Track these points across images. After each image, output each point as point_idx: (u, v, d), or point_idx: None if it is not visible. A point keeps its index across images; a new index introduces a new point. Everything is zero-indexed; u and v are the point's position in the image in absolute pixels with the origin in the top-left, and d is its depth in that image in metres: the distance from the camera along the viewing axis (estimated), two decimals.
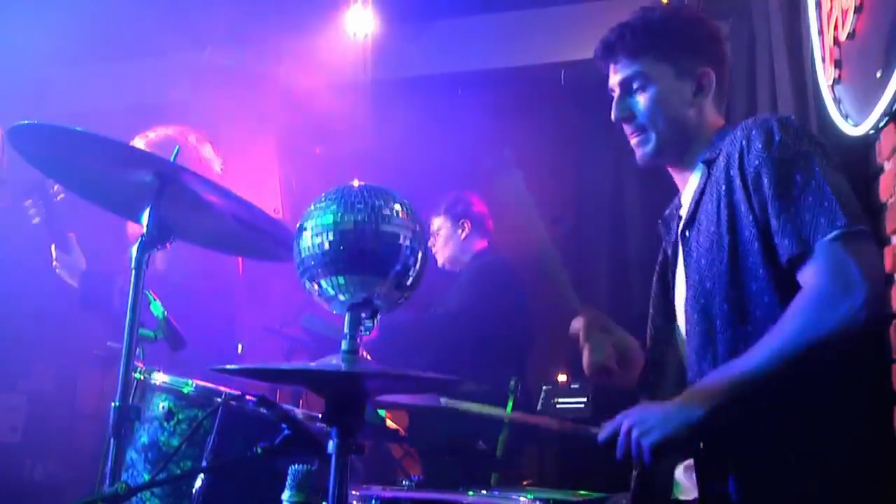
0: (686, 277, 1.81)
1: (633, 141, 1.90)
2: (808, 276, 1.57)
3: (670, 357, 1.88)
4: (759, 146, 1.66)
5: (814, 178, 1.60)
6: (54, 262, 2.96)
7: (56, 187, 2.85)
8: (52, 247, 2.95)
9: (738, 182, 1.68)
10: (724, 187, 1.72)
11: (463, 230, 3.78)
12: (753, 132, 1.69)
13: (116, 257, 3.08)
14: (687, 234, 1.83)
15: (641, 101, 1.85)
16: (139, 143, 2.89)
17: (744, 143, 1.69)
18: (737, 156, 1.69)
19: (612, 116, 1.90)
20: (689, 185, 1.90)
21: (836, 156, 1.69)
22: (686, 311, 1.79)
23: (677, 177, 1.95)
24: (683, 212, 1.89)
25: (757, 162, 1.65)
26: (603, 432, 1.67)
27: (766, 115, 1.76)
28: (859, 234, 1.56)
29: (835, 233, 1.54)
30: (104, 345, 3.16)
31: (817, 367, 1.55)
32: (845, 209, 1.56)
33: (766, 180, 1.63)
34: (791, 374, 1.54)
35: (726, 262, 1.68)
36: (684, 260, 1.84)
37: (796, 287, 1.58)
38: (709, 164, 1.80)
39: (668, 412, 1.60)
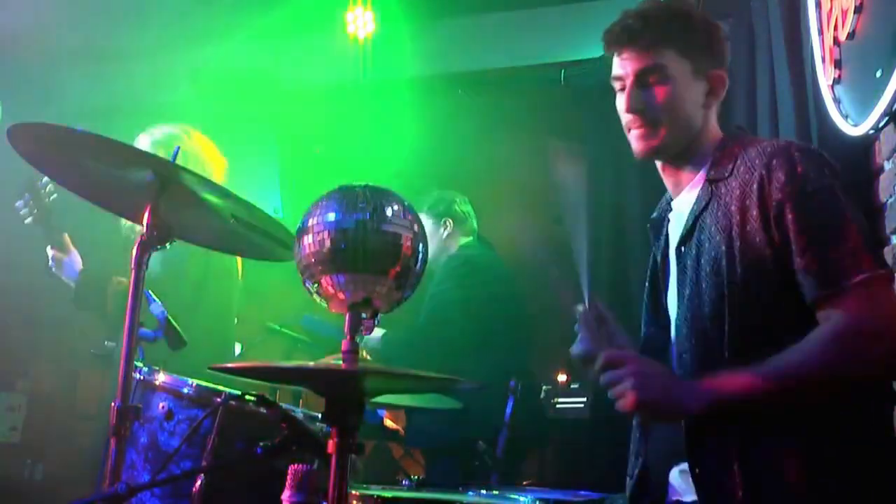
0: (680, 295, 1.77)
1: (637, 133, 1.80)
2: (836, 315, 1.54)
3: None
4: (782, 178, 1.61)
5: (838, 216, 1.58)
6: (50, 263, 2.96)
7: (49, 187, 2.83)
8: (48, 248, 2.95)
9: (754, 213, 1.64)
10: (737, 217, 1.67)
11: (445, 228, 3.78)
12: (774, 161, 1.64)
13: (112, 257, 3.09)
14: (682, 249, 1.78)
15: (658, 95, 1.77)
16: (144, 140, 2.90)
17: (763, 172, 1.64)
18: (755, 186, 1.64)
19: (626, 107, 1.80)
20: (685, 193, 1.84)
21: (845, 175, 1.66)
22: (680, 331, 1.76)
23: (668, 175, 1.89)
24: (678, 221, 1.84)
25: (779, 196, 1.61)
26: (608, 374, 1.60)
27: (784, 143, 1.71)
28: (883, 277, 1.55)
29: (862, 276, 1.52)
30: (101, 344, 3.17)
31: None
32: (868, 251, 1.55)
33: (789, 216, 1.59)
34: (801, 399, 1.54)
35: (738, 294, 1.64)
36: (678, 276, 1.79)
37: (814, 324, 1.56)
38: (714, 182, 1.75)
39: (671, 387, 1.59)
